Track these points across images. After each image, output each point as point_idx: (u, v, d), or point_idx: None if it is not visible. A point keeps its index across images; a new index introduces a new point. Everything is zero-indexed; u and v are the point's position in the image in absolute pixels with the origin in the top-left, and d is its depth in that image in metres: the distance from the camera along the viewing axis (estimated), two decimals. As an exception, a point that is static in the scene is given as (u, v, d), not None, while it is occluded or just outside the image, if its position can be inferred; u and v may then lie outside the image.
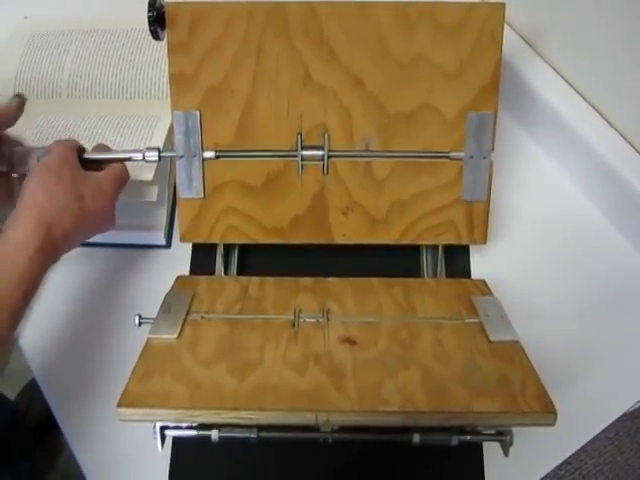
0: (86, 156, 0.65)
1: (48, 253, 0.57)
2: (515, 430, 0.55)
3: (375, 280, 0.70)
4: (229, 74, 0.66)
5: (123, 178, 0.66)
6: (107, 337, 0.73)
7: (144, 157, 0.66)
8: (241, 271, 0.75)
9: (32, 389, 1.30)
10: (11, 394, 1.31)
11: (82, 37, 0.84)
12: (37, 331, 0.72)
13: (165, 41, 0.66)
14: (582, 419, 0.66)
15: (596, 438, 0.67)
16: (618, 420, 0.68)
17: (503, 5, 0.64)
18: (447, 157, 0.68)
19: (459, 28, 0.65)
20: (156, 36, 0.65)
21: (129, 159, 0.67)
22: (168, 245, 0.78)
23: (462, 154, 0.68)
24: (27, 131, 0.75)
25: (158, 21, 0.64)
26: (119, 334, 0.72)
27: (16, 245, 0.55)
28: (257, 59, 0.66)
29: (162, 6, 0.64)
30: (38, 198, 0.58)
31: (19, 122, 0.65)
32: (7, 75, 0.82)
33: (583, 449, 0.67)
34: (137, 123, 0.76)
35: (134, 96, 0.81)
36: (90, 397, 0.70)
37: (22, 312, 0.55)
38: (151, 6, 0.63)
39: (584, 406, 0.67)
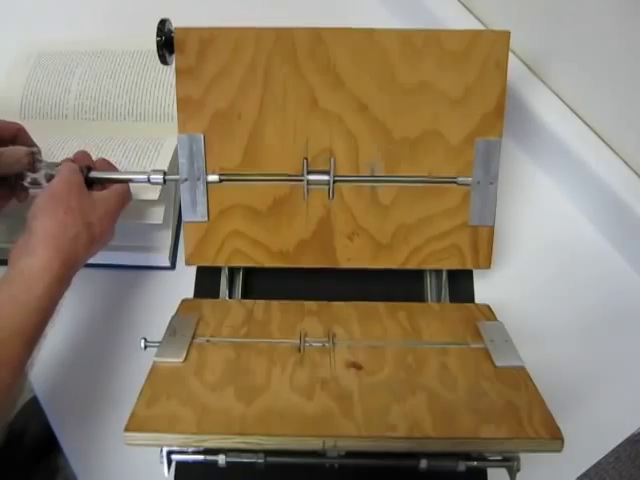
0: (92, 175, 0.65)
1: (63, 282, 0.58)
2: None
3: (380, 304, 0.69)
4: (236, 99, 0.67)
5: (127, 197, 0.67)
6: (110, 358, 0.73)
7: (149, 179, 0.67)
8: (245, 294, 0.74)
9: (31, 409, 1.28)
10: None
11: (88, 59, 0.85)
12: (41, 351, 0.72)
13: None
14: (585, 443, 0.65)
15: (598, 463, 0.67)
16: (619, 444, 0.68)
17: (508, 33, 0.65)
18: (454, 182, 0.68)
19: (464, 55, 0.66)
20: (164, 61, 0.65)
21: (134, 180, 0.67)
22: (172, 267, 0.78)
23: (469, 179, 0.68)
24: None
25: (166, 46, 0.64)
26: (123, 355, 0.72)
27: (33, 276, 0.55)
28: (264, 84, 0.66)
29: (171, 31, 0.65)
30: (50, 231, 0.58)
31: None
32: (14, 97, 0.83)
33: (585, 474, 0.67)
34: (143, 145, 0.76)
35: (140, 118, 0.81)
36: (93, 419, 0.70)
37: (36, 341, 0.55)
38: (160, 31, 0.64)
39: (587, 430, 0.66)
